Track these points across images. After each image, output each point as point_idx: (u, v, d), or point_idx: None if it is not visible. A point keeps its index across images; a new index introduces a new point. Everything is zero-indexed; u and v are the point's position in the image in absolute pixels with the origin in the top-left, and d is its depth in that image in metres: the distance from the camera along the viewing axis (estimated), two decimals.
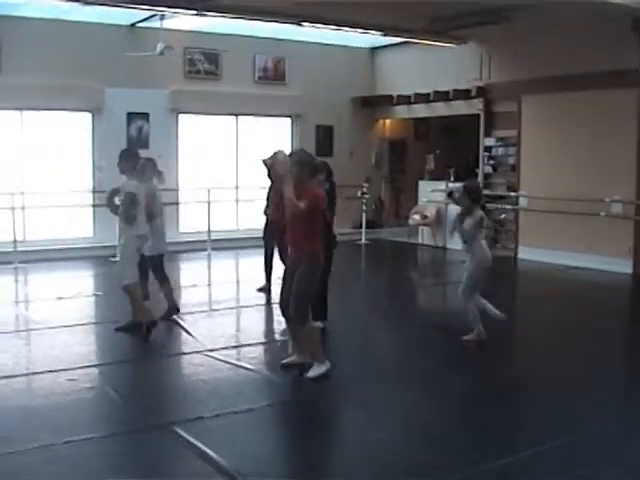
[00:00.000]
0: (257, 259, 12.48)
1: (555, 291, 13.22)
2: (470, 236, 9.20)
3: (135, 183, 9.63)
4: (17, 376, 7.90)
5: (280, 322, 9.65)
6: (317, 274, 7.83)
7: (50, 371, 8.00)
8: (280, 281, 8.05)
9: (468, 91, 17.54)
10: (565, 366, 8.43)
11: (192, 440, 6.08)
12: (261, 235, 12.29)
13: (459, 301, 9.46)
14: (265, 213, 12.03)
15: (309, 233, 7.69)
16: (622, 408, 7.13)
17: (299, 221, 7.68)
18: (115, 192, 9.86)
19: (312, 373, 7.79)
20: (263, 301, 11.71)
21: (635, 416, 6.90)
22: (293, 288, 7.71)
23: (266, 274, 12.20)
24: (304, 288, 7.70)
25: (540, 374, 8.22)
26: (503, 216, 17.21)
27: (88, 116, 16.76)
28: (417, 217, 18.60)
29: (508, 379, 8.13)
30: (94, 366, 8.37)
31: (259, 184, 14.76)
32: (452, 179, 18.15)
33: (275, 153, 11.23)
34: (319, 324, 8.78)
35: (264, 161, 11.41)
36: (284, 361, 8.19)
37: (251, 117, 18.86)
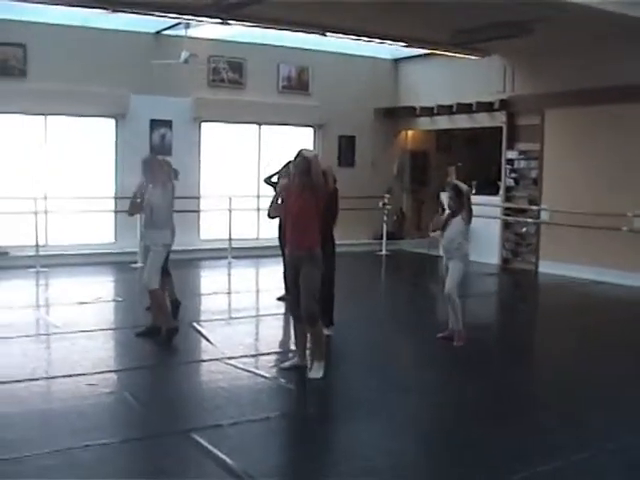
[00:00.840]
0: (277, 268, 12.45)
1: (578, 305, 13.17)
2: (456, 236, 9.54)
3: (159, 192, 9.67)
4: (37, 380, 7.92)
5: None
6: (320, 267, 8.03)
7: (69, 375, 8.04)
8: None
9: (491, 104, 17.52)
10: (586, 381, 8.39)
11: (209, 447, 6.08)
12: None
13: (446, 299, 9.66)
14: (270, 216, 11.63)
15: (312, 229, 7.96)
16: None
17: (302, 217, 7.93)
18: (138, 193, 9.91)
19: (315, 374, 7.85)
20: (282, 310, 11.70)
21: None
22: (302, 287, 7.88)
23: (286, 283, 12.16)
24: (311, 284, 7.90)
25: (560, 387, 8.19)
26: (524, 229, 17.17)
27: (112, 122, 16.86)
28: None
29: (524, 390, 8.10)
30: (113, 371, 8.42)
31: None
32: (474, 191, 18.11)
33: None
34: (325, 330, 8.87)
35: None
36: (284, 364, 8.30)
37: (274, 126, 18.91)
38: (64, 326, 10.37)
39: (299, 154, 7.95)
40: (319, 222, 8.01)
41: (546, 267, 16.21)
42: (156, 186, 9.68)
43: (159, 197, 9.64)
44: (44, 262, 15.10)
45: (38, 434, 6.37)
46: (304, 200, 7.85)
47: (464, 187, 9.83)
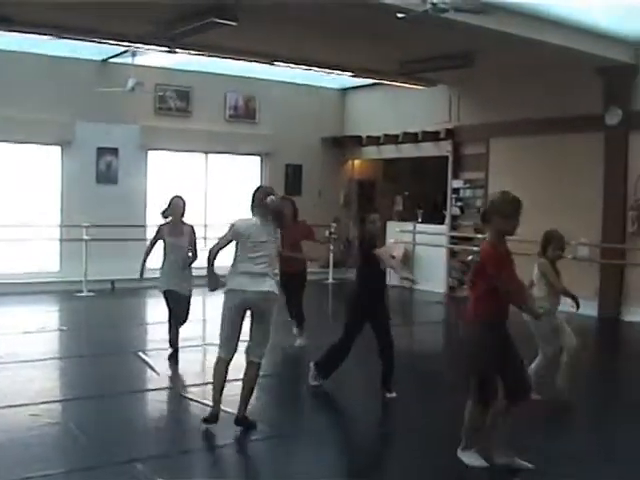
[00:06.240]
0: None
1: (523, 334, 13.23)
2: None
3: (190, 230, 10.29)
4: None
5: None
6: None
7: (12, 406, 7.90)
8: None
9: (437, 133, 17.71)
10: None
11: (153, 477, 6.02)
12: None
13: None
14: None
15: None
16: None
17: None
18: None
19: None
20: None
21: None
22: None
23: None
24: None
25: None
26: (470, 258, 17.28)
27: (57, 150, 16.72)
28: None
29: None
30: (57, 401, 8.30)
31: (228, 221, 14.84)
32: (420, 220, 18.26)
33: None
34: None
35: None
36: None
37: (221, 155, 18.90)
38: (6, 356, 10.18)
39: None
40: None
41: None
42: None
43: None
44: None
45: None
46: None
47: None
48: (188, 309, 10.40)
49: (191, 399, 8.39)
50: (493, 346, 6.08)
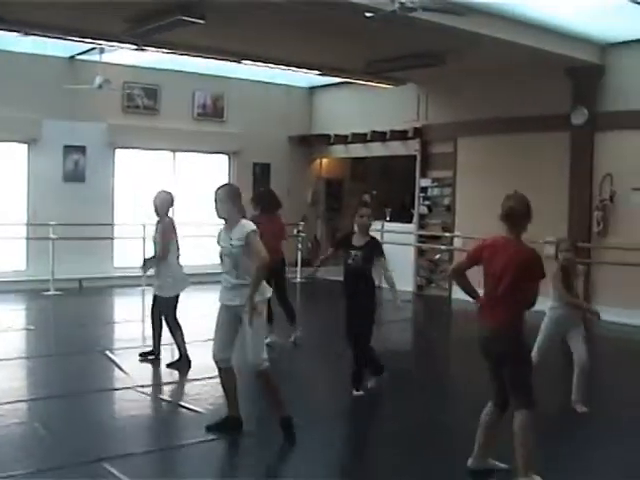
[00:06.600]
0: (191, 295, 12.35)
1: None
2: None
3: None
4: None
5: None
6: None
7: None
8: None
9: (405, 132, 17.75)
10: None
11: (121, 476, 6.00)
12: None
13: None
14: None
15: None
16: None
17: None
18: None
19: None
20: (194, 338, 11.57)
21: None
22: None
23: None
24: None
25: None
26: (438, 256, 17.38)
27: (24, 148, 16.60)
28: None
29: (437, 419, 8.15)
30: (23, 401, 8.24)
31: (195, 220, 14.93)
32: (388, 219, 18.30)
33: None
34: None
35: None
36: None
37: (189, 153, 18.85)
38: None
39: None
40: None
41: (459, 293, 16.34)
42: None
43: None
44: None
45: None
46: None
47: None
48: (162, 311, 10.03)
49: (159, 398, 8.37)
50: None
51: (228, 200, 7.03)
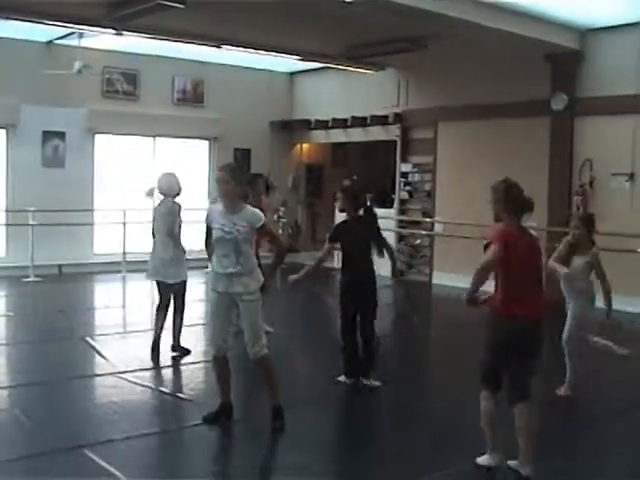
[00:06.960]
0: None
1: (466, 317, 13.35)
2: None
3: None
4: None
5: (195, 345, 9.69)
6: None
7: None
8: None
9: (386, 117, 17.73)
10: None
11: (101, 463, 6.01)
12: None
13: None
14: None
15: None
16: None
17: None
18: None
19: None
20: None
21: None
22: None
23: None
24: None
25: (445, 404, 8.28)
26: (418, 241, 17.42)
27: (2, 133, 16.49)
28: None
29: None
30: (3, 388, 8.23)
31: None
32: (368, 204, 18.28)
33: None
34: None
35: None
36: None
37: (169, 139, 18.78)
38: None
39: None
40: None
41: (440, 278, 16.45)
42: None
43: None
44: None
45: None
46: None
47: None
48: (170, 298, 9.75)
49: (139, 384, 8.36)
50: None
51: (232, 181, 6.81)
